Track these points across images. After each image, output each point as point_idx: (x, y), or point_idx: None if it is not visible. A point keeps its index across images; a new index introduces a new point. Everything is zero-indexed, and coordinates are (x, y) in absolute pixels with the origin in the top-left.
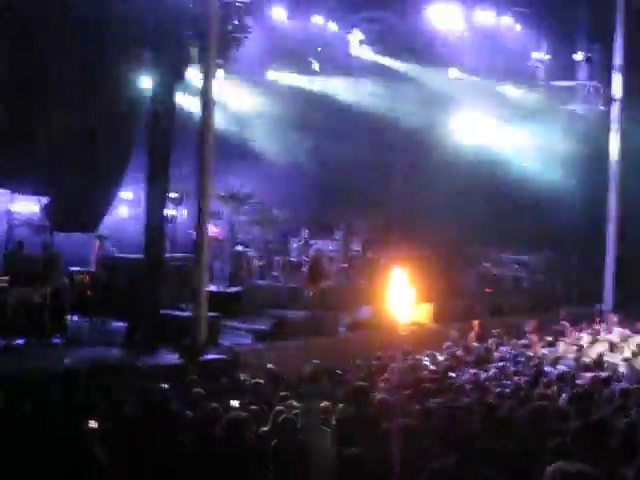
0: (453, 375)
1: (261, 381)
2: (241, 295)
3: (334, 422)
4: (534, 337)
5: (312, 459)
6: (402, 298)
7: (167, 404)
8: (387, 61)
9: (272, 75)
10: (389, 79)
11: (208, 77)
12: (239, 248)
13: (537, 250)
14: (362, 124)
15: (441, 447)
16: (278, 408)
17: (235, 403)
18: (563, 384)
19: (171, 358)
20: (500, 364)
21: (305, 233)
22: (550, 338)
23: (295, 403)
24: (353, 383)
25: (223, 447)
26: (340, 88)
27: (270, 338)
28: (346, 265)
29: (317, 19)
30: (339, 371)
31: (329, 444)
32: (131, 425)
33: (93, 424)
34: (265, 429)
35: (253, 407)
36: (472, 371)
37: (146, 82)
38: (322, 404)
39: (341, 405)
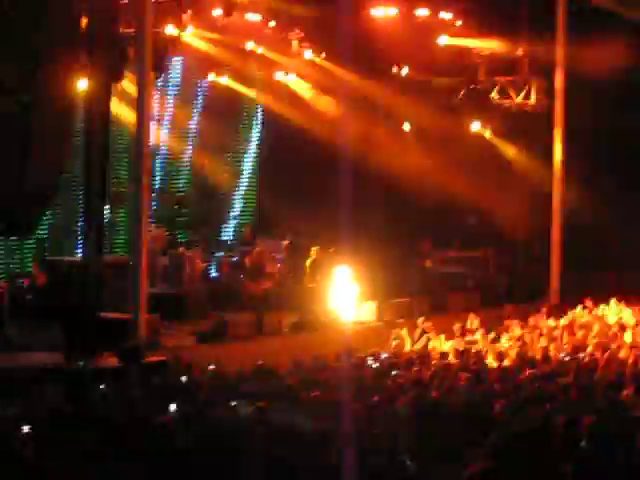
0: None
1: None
2: (184, 296)
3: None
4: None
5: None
6: (346, 297)
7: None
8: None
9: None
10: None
11: (144, 75)
12: (181, 249)
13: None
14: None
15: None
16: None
17: (172, 407)
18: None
19: (111, 361)
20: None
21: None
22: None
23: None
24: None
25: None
26: None
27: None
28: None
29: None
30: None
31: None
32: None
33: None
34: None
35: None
36: (414, 369)
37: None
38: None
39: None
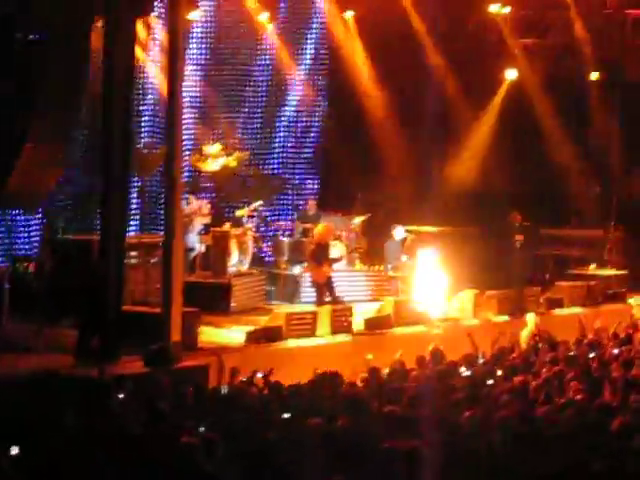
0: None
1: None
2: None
3: None
4: None
5: None
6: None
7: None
8: None
9: None
10: None
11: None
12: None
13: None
14: None
15: None
16: None
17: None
18: None
19: (136, 366)
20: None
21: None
22: None
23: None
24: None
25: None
26: None
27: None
28: None
29: None
30: None
31: None
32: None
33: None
34: None
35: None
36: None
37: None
38: None
39: None
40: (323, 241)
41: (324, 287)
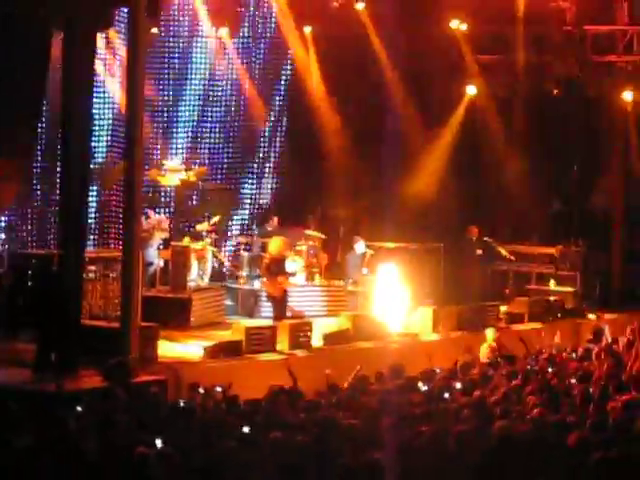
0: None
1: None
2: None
3: None
4: None
5: None
6: (394, 302)
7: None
8: None
9: None
10: None
11: (137, 17)
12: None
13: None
14: None
15: None
16: None
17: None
18: None
19: (95, 381)
20: None
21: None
22: None
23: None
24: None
25: None
26: None
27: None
28: None
29: None
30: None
31: None
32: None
33: None
34: None
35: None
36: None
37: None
38: None
39: None
40: (279, 255)
41: (280, 301)
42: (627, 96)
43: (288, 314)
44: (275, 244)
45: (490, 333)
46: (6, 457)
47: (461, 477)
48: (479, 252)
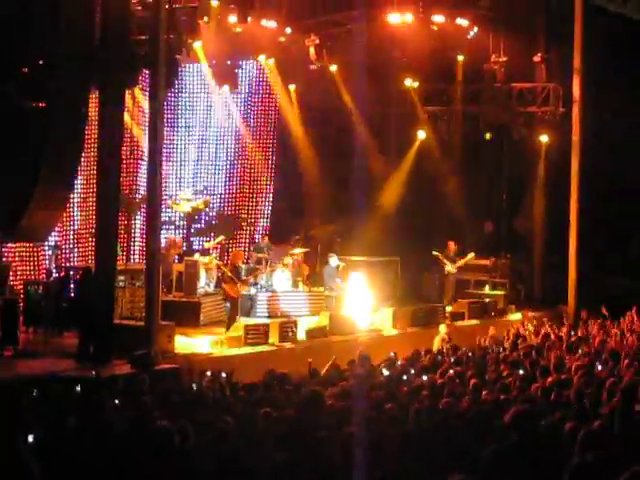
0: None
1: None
2: (197, 304)
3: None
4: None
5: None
6: (361, 303)
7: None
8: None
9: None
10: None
11: (157, 78)
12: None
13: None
14: None
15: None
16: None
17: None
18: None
19: (125, 369)
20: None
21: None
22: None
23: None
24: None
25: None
26: None
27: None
28: None
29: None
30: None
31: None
32: (69, 439)
33: (30, 438)
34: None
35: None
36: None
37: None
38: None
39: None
40: (236, 263)
41: (236, 301)
42: (543, 139)
43: (278, 313)
44: (233, 254)
45: (442, 328)
46: (58, 436)
47: (418, 446)
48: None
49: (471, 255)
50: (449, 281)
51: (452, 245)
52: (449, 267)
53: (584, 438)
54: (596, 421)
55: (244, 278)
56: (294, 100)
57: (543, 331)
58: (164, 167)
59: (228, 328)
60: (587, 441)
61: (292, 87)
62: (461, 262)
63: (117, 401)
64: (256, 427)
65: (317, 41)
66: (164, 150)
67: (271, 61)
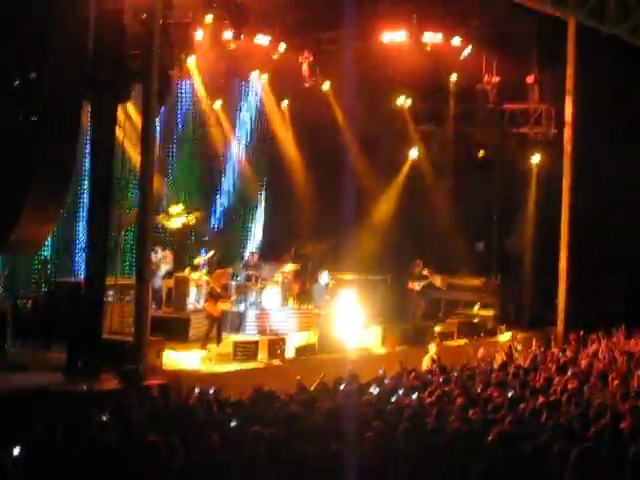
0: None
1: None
2: (186, 319)
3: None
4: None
5: None
6: (350, 321)
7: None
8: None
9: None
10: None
11: (149, 94)
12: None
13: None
14: None
15: None
16: None
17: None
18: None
19: (113, 384)
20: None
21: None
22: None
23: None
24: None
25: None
26: None
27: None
28: None
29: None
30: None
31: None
32: (56, 454)
33: (15, 452)
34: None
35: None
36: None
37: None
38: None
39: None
40: (218, 283)
41: (217, 320)
42: (535, 159)
43: (267, 331)
44: (217, 275)
45: (432, 347)
46: (45, 451)
47: (404, 463)
48: (419, 284)
49: (431, 276)
50: (415, 299)
51: (419, 263)
52: (414, 285)
53: (576, 459)
54: (586, 442)
55: (228, 296)
56: (287, 116)
57: (532, 352)
58: (156, 183)
59: (203, 346)
60: (579, 462)
61: (285, 103)
62: (425, 282)
63: (104, 417)
64: (244, 444)
65: (311, 58)
66: (155, 165)
67: (264, 77)
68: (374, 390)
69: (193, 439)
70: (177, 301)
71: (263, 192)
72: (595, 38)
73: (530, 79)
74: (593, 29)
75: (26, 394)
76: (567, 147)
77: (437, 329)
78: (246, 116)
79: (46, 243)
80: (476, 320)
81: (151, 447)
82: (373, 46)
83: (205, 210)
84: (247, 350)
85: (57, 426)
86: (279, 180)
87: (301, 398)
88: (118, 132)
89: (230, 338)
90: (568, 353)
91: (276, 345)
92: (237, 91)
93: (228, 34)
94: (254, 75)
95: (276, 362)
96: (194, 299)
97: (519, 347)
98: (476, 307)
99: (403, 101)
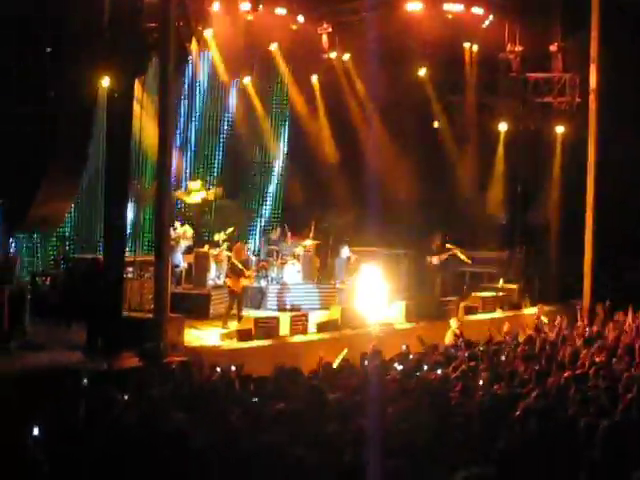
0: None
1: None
2: (207, 296)
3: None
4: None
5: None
6: (374, 296)
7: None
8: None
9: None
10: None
11: (167, 67)
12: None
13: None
14: None
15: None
16: None
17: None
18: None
19: (134, 362)
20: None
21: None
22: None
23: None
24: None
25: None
26: None
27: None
28: None
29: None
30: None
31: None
32: (78, 433)
33: (35, 432)
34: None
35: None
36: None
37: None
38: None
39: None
40: (239, 258)
41: (239, 296)
42: (559, 129)
43: (287, 307)
44: (237, 250)
45: (454, 322)
46: (66, 430)
47: (430, 439)
48: (438, 258)
49: (455, 248)
50: (433, 273)
51: (437, 237)
52: (432, 259)
53: (604, 433)
54: (615, 416)
55: (250, 271)
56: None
57: (558, 325)
58: (174, 157)
59: (224, 323)
60: (607, 436)
61: (305, 76)
62: (444, 255)
63: (126, 395)
64: (266, 422)
65: (330, 29)
66: (174, 139)
67: (283, 49)
68: (398, 366)
69: (215, 417)
70: (197, 277)
71: (283, 164)
72: (619, 4)
73: (553, 47)
74: None
75: (46, 373)
76: (592, 116)
77: (462, 304)
78: (265, 87)
79: (65, 220)
80: (501, 294)
81: (173, 425)
82: (393, 16)
83: (224, 186)
84: (268, 326)
85: (78, 405)
86: (300, 152)
87: (324, 374)
88: (136, 106)
89: (251, 314)
90: (595, 327)
91: (298, 321)
92: (258, 65)
93: (245, 5)
94: (273, 47)
95: (298, 338)
96: (214, 275)
97: (545, 320)
98: (501, 281)
99: (425, 72)
